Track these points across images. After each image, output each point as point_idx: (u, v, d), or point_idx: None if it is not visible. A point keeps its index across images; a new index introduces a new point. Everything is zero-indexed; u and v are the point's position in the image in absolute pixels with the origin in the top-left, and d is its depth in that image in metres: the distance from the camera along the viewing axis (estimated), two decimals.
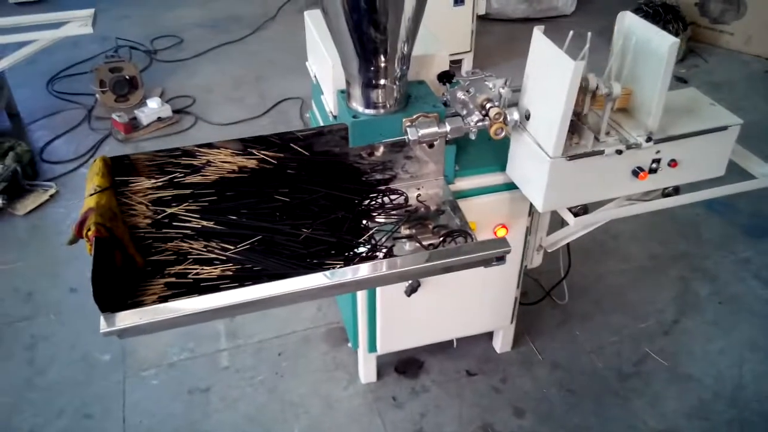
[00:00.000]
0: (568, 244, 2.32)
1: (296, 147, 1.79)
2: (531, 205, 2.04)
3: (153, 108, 3.89)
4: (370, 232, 1.74)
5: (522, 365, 2.50)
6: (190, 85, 4.36)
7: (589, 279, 2.86)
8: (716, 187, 1.92)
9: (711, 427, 2.30)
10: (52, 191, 3.37)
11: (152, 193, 1.71)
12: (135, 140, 3.81)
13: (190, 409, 2.35)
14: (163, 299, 1.53)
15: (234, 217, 1.71)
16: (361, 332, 2.24)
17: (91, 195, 1.59)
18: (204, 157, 1.75)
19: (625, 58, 1.77)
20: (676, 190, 1.95)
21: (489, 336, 2.56)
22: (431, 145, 1.85)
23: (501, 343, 2.52)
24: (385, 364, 2.47)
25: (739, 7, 4.66)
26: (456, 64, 4.33)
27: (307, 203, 1.77)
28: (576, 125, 1.74)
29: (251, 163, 1.78)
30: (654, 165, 1.81)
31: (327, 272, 1.53)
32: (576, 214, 1.89)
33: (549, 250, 2.27)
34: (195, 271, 1.58)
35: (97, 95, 4.05)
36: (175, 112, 4.01)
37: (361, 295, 2.12)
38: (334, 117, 2.01)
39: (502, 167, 1.95)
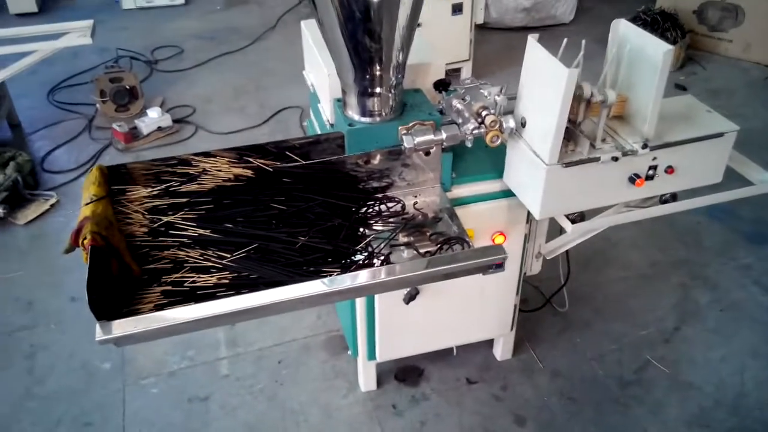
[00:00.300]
0: (567, 252, 2.32)
1: (292, 155, 1.80)
2: (529, 213, 2.04)
3: (153, 118, 3.91)
4: (367, 239, 1.74)
5: (522, 373, 2.49)
6: (191, 94, 4.38)
7: (589, 286, 2.86)
8: (714, 194, 1.92)
9: None
10: (52, 201, 3.38)
11: (149, 201, 1.72)
12: (135, 150, 3.82)
13: (190, 417, 2.35)
14: (160, 307, 1.53)
15: (230, 226, 1.71)
16: (361, 340, 2.24)
17: (88, 204, 1.59)
18: (200, 166, 1.76)
19: (620, 66, 1.77)
20: (674, 197, 1.95)
21: (489, 343, 2.55)
22: (428, 153, 1.85)
23: (501, 351, 2.52)
24: (384, 372, 2.46)
25: (737, 14, 4.67)
26: (455, 72, 4.35)
27: (303, 211, 1.77)
28: (572, 132, 1.74)
29: (248, 172, 1.78)
30: (651, 172, 1.82)
31: (324, 279, 1.53)
32: (573, 221, 1.89)
33: (548, 258, 2.27)
34: (191, 280, 1.58)
35: (98, 105, 4.07)
36: (176, 121, 4.03)
37: (360, 303, 2.12)
38: (331, 125, 2.01)
39: (500, 174, 1.96)
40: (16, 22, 5.27)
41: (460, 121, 1.81)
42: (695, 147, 1.82)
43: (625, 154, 1.74)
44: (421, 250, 1.74)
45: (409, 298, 2.07)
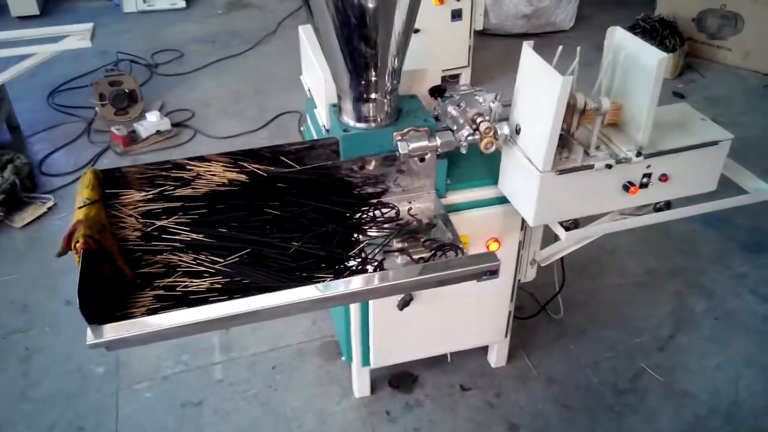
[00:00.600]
0: (562, 259, 2.32)
1: (287, 160, 1.80)
2: (523, 219, 2.04)
3: (152, 121, 3.91)
4: (361, 245, 1.74)
5: (517, 380, 2.49)
6: (190, 98, 4.39)
7: (584, 293, 2.86)
8: (708, 203, 1.92)
9: None
10: (50, 204, 3.38)
11: (142, 205, 1.72)
12: (134, 153, 3.82)
13: (183, 422, 2.34)
14: (152, 311, 1.53)
15: (224, 230, 1.71)
16: (355, 346, 2.24)
17: (81, 207, 1.59)
18: (195, 170, 1.76)
19: (615, 73, 1.78)
20: (668, 205, 1.95)
21: (483, 350, 2.55)
22: (422, 159, 1.86)
23: (496, 358, 2.51)
24: (378, 378, 2.46)
25: (736, 22, 4.68)
26: (454, 78, 4.35)
27: (297, 216, 1.77)
28: (566, 139, 1.74)
29: (242, 177, 1.78)
30: (645, 180, 1.82)
31: (317, 285, 1.53)
32: (567, 229, 1.89)
33: (542, 264, 2.27)
34: (184, 284, 1.58)
35: (97, 108, 4.08)
36: (175, 125, 4.04)
37: (354, 309, 2.12)
38: (327, 130, 2.02)
39: (494, 181, 1.96)
40: (17, 24, 5.28)
41: (455, 127, 1.81)
42: (689, 155, 1.82)
43: (618, 161, 1.74)
44: (415, 257, 1.74)
45: (403, 305, 2.07)
